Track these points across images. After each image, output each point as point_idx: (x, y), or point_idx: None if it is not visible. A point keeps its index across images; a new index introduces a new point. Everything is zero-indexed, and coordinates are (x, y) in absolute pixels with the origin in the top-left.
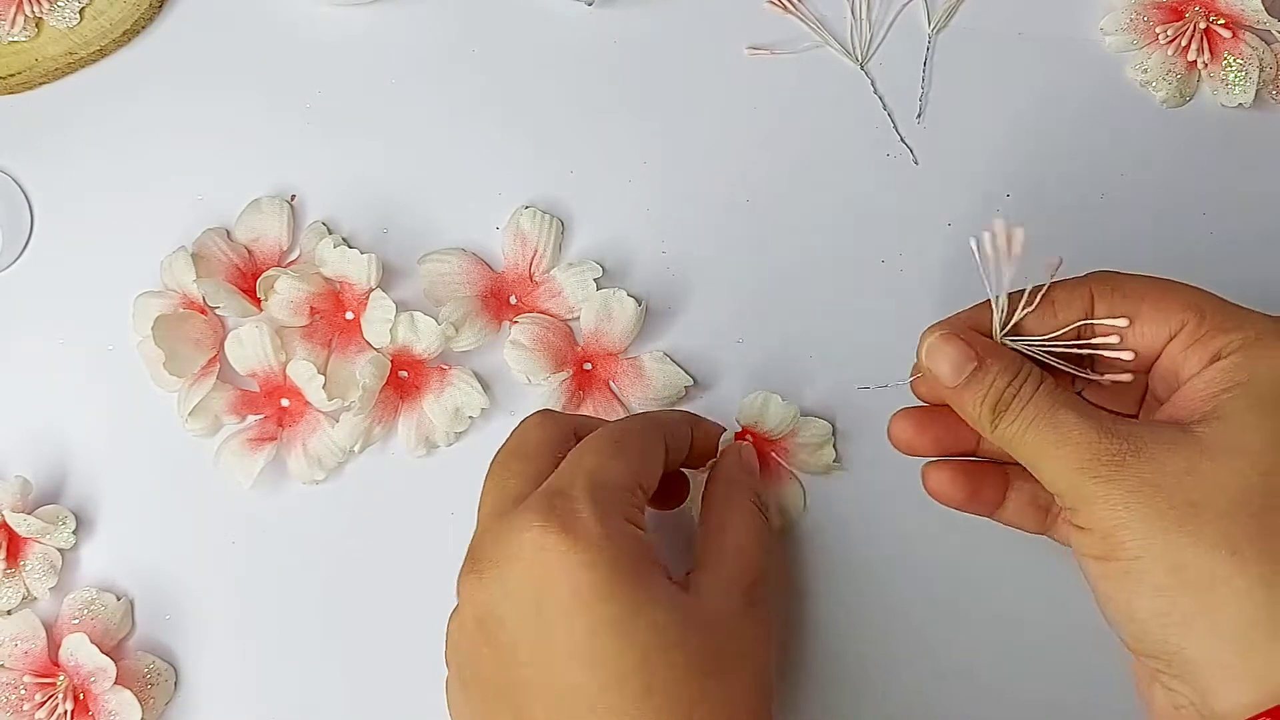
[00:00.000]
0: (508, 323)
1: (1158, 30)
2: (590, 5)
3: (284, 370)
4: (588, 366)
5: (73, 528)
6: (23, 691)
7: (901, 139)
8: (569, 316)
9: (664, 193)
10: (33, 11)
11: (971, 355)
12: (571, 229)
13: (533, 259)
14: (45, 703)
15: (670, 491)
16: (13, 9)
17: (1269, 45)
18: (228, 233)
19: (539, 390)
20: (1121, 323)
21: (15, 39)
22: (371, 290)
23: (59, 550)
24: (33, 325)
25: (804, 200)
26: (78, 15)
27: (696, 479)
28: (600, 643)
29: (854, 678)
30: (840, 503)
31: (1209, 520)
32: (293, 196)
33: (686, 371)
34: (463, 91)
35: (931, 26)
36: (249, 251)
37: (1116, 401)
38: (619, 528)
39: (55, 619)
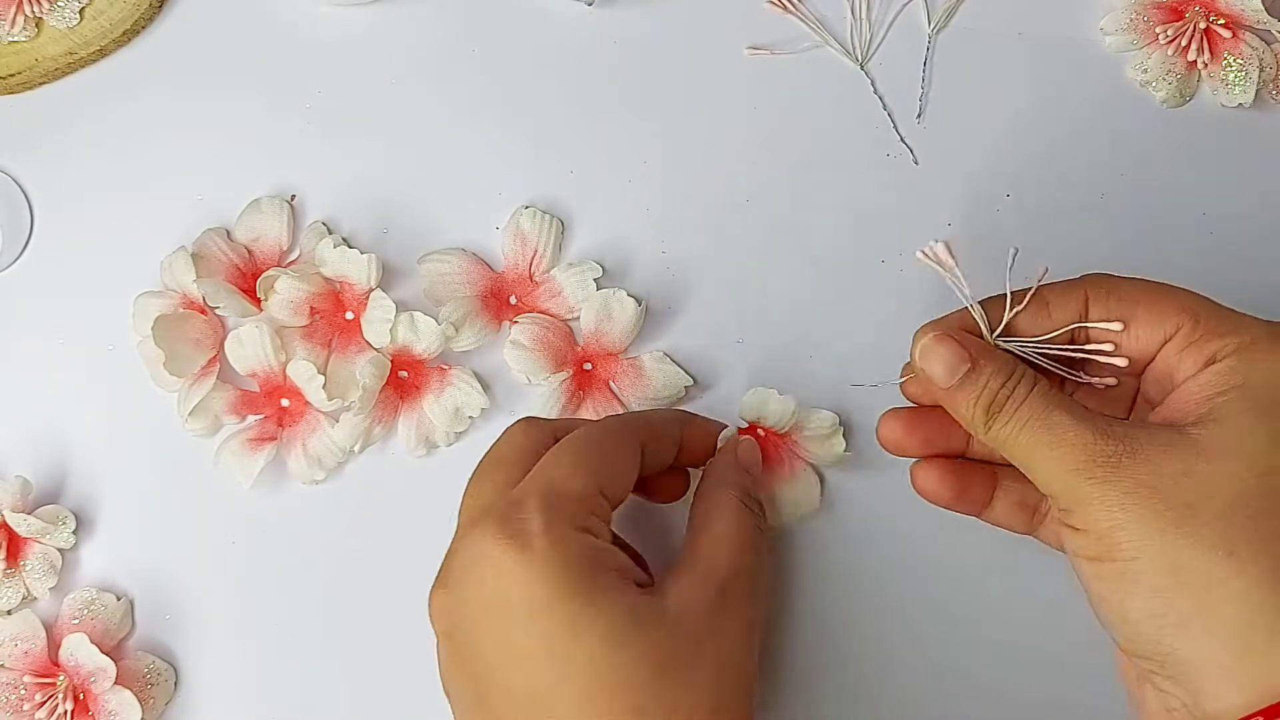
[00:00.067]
0: (508, 323)
1: (1158, 30)
2: (590, 5)
3: (284, 370)
4: (588, 366)
5: (73, 528)
6: (23, 691)
7: (901, 139)
8: (569, 316)
9: (664, 193)
10: (33, 11)
11: (965, 356)
12: (571, 229)
13: (533, 259)
14: (45, 703)
15: (668, 486)
16: (13, 9)
17: (1269, 45)
18: (228, 233)
19: (539, 390)
20: (1116, 326)
21: (15, 39)
22: (371, 290)
23: (59, 550)
24: (33, 325)
25: (804, 200)
26: (78, 15)
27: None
28: (551, 647)
29: (854, 673)
30: (842, 502)
31: (1206, 522)
32: (293, 196)
33: (686, 371)
34: (463, 91)
35: (931, 26)
36: (249, 251)
37: (1107, 404)
38: (569, 536)
39: (55, 619)
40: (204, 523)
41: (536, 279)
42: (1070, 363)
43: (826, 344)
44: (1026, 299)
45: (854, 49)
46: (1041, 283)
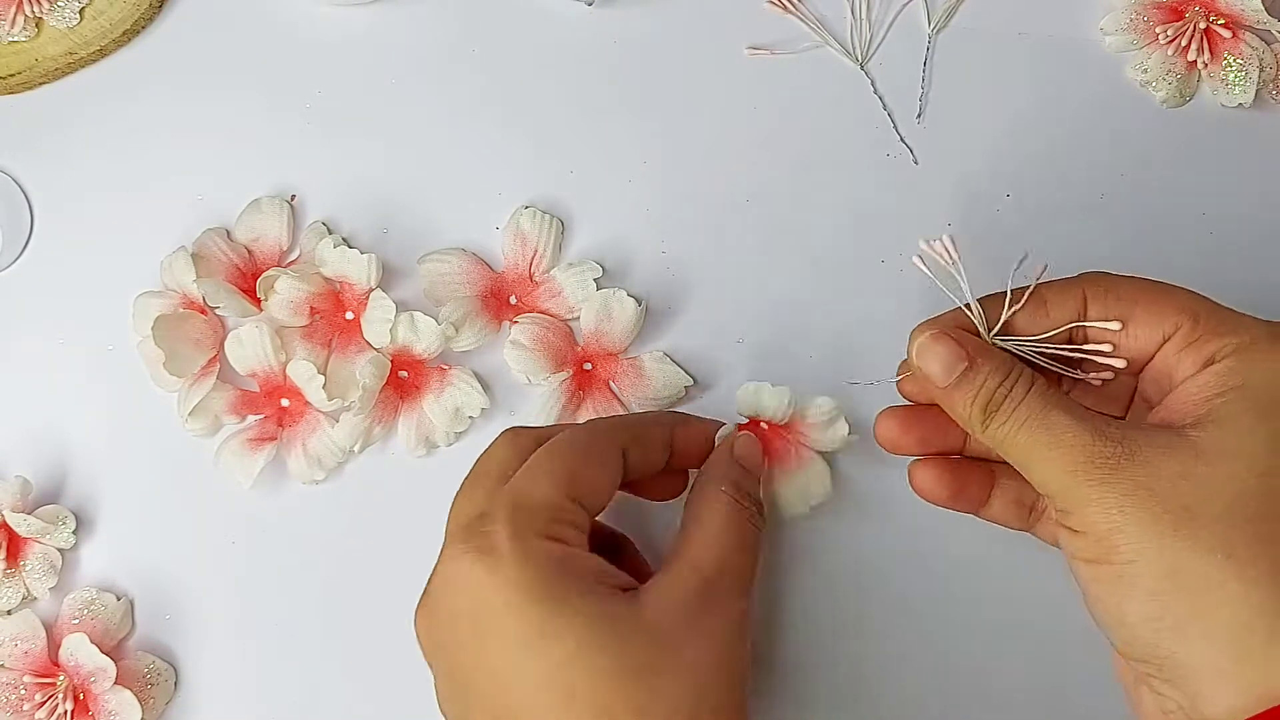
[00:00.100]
0: (508, 323)
1: (1158, 30)
2: (590, 5)
3: (284, 370)
4: (588, 366)
5: (73, 528)
6: (23, 691)
7: (901, 139)
8: (569, 316)
9: (664, 193)
10: (33, 11)
11: (962, 355)
12: (571, 229)
13: (533, 259)
14: (45, 703)
15: (664, 485)
16: (13, 9)
17: (1269, 45)
18: (228, 233)
19: (539, 390)
20: (1115, 325)
21: (15, 39)
22: (371, 290)
23: (59, 550)
24: (33, 325)
25: (804, 200)
26: (78, 15)
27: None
28: (522, 656)
29: (854, 668)
30: (843, 502)
31: (1204, 525)
32: (293, 196)
33: (686, 371)
34: (463, 91)
35: (931, 26)
36: (249, 251)
37: (1104, 402)
38: (535, 545)
39: (55, 619)
40: (204, 523)
41: (536, 279)
42: (1068, 362)
43: (826, 344)
44: (1025, 297)
45: (854, 49)
46: (1040, 281)
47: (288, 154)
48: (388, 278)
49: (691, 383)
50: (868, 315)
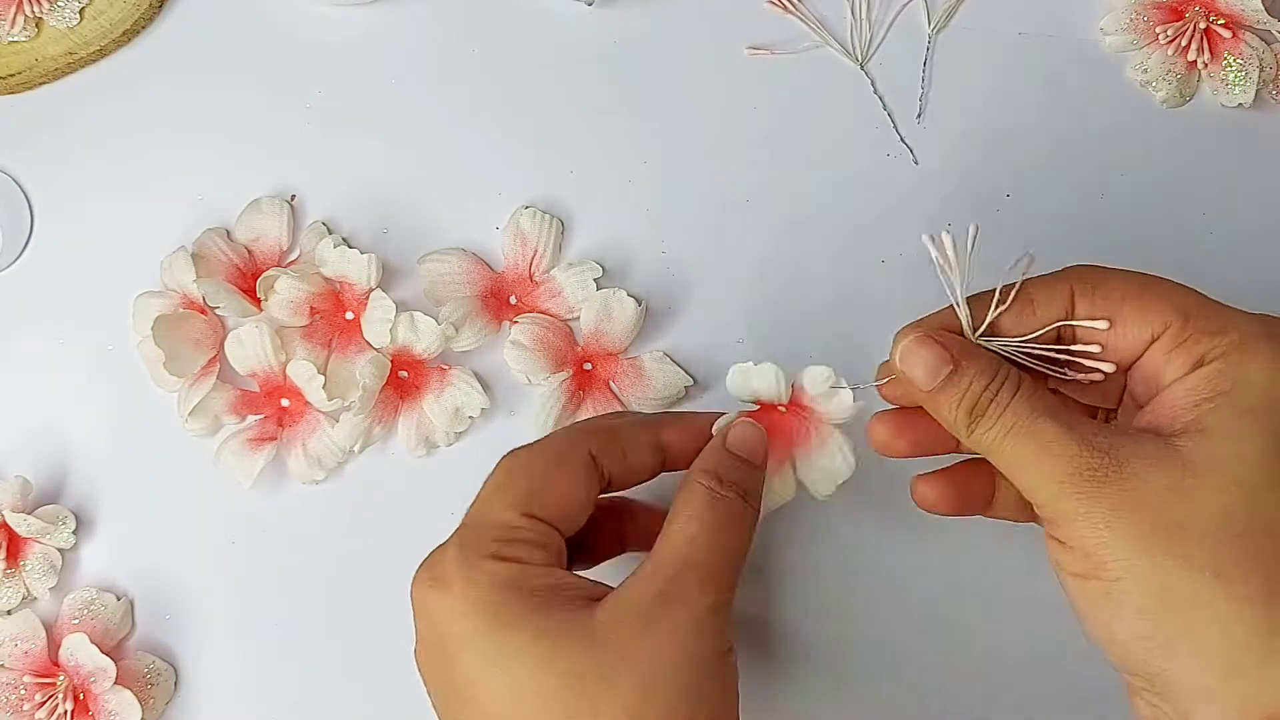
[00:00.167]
0: (508, 323)
1: (1158, 30)
2: (590, 5)
3: (284, 370)
4: (588, 366)
5: (73, 528)
6: (23, 691)
7: (901, 139)
8: (569, 316)
9: (664, 193)
10: (33, 11)
11: (947, 358)
12: (571, 229)
13: (533, 259)
14: (45, 703)
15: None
16: (13, 9)
17: (1269, 45)
18: (228, 233)
19: (539, 390)
20: (1102, 325)
21: (15, 39)
22: (371, 290)
23: (59, 550)
24: (33, 325)
25: (804, 200)
26: (78, 15)
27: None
28: (485, 678)
29: (853, 664)
30: (844, 501)
31: (1194, 541)
32: (293, 196)
33: (686, 371)
34: (463, 91)
35: (931, 26)
36: (249, 251)
37: (1094, 394)
38: (482, 570)
39: (55, 619)
40: (204, 523)
41: (536, 279)
42: (1056, 363)
43: (826, 344)
44: (1010, 296)
45: (854, 49)
46: (1026, 275)
47: (288, 154)
48: (388, 278)
49: (691, 383)
50: (868, 315)
